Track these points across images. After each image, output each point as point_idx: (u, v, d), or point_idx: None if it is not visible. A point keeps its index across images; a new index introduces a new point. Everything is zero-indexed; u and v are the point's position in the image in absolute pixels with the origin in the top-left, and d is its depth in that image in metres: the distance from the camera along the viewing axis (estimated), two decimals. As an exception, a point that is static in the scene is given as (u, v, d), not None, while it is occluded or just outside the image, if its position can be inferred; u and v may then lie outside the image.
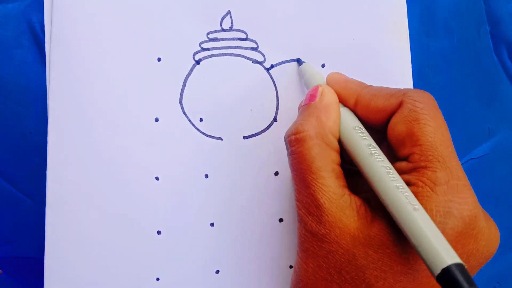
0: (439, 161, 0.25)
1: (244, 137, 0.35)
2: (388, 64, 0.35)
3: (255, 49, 0.35)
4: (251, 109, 0.35)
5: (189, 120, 0.35)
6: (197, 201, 0.34)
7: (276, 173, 0.35)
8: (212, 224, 0.35)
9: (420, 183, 0.25)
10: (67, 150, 0.34)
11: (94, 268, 0.34)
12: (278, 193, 0.35)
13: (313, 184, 0.26)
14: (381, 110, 0.28)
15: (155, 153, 0.34)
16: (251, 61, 0.35)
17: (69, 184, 0.34)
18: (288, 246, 0.34)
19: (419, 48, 0.38)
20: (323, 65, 0.35)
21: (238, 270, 0.34)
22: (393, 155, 0.28)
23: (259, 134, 0.35)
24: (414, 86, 0.35)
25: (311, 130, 0.27)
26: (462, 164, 0.38)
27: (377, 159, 0.26)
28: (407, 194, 0.24)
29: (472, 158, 0.39)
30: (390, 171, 0.25)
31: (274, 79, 0.35)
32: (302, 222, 0.27)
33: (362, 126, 0.28)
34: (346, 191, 0.26)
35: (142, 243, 0.34)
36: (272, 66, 0.35)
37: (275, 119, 0.35)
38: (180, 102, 0.35)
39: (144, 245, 0.34)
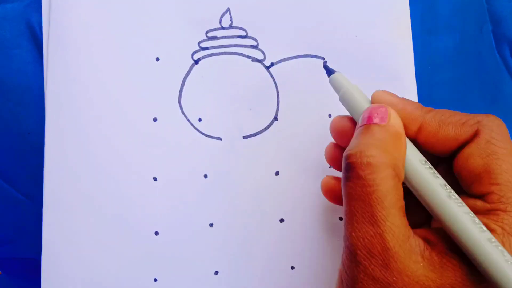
0: None
1: (244, 137, 0.35)
2: (391, 61, 0.35)
3: (255, 46, 0.35)
4: (250, 109, 0.35)
5: (188, 120, 0.35)
6: (196, 202, 0.34)
7: (277, 173, 0.35)
8: (211, 225, 0.34)
9: (499, 230, 0.23)
10: (64, 150, 0.34)
11: (92, 269, 0.34)
12: (279, 194, 0.34)
13: (383, 222, 0.22)
14: (451, 139, 0.25)
15: (154, 153, 0.34)
16: (250, 60, 0.35)
17: (66, 185, 0.34)
18: (289, 247, 0.34)
19: (421, 46, 0.38)
20: (325, 62, 0.35)
21: (237, 271, 0.34)
22: (457, 187, 0.26)
23: (259, 133, 0.35)
24: (417, 84, 0.35)
25: (386, 157, 0.23)
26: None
27: (457, 204, 0.23)
28: (501, 248, 0.22)
29: (474, 157, 0.39)
30: (475, 219, 0.23)
31: (275, 77, 0.35)
32: (360, 264, 0.23)
33: (427, 161, 0.25)
34: (411, 232, 0.23)
35: (140, 243, 0.34)
36: (272, 64, 0.35)
37: (275, 118, 0.35)
38: (179, 102, 0.35)
39: (141, 246, 0.34)
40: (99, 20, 0.35)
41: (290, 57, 0.35)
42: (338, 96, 0.28)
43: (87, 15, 0.35)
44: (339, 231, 0.34)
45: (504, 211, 0.23)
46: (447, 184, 0.24)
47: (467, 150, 0.25)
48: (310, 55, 0.35)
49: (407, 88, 0.35)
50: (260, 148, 0.35)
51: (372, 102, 0.27)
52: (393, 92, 0.33)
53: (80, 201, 0.34)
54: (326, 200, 0.33)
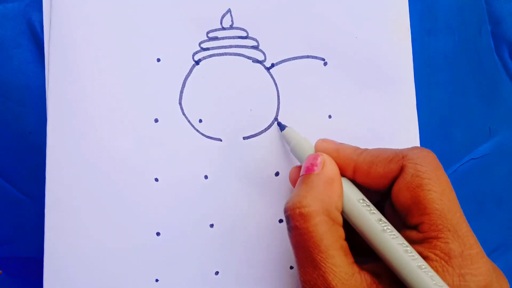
0: (449, 230, 0.24)
1: (244, 138, 0.35)
2: (390, 62, 0.35)
3: (255, 47, 0.35)
4: (251, 109, 0.35)
5: (189, 121, 0.35)
6: (197, 202, 0.34)
7: (277, 174, 0.35)
8: (211, 225, 0.35)
9: (433, 256, 0.24)
10: (66, 150, 0.34)
11: (93, 269, 0.34)
12: (278, 194, 0.35)
13: (323, 264, 0.24)
14: (382, 176, 0.27)
15: (155, 154, 0.34)
16: (251, 61, 0.35)
17: (68, 185, 0.34)
18: (288, 247, 0.34)
19: (420, 47, 0.38)
20: (325, 63, 0.35)
21: (237, 272, 0.34)
22: (398, 218, 0.27)
23: (259, 134, 0.35)
24: (416, 85, 0.35)
25: (317, 205, 0.25)
26: (462, 164, 0.38)
27: (391, 236, 0.25)
28: (431, 274, 0.24)
29: (472, 158, 0.39)
30: (408, 248, 0.25)
31: (275, 78, 0.35)
32: None
33: (365, 198, 0.27)
34: (356, 269, 0.25)
35: (141, 244, 0.34)
36: (272, 65, 0.35)
37: (276, 119, 0.35)
38: (180, 103, 0.35)
39: (143, 246, 0.34)
40: (100, 20, 0.34)
41: (291, 58, 0.35)
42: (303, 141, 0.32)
43: (88, 15, 0.34)
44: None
45: (436, 238, 0.24)
46: (382, 218, 0.26)
47: (396, 186, 0.26)
48: (311, 56, 0.35)
49: (406, 89, 0.35)
50: (260, 149, 0.35)
51: (315, 151, 0.30)
52: (392, 93, 0.34)
53: (82, 201, 0.34)
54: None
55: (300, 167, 0.31)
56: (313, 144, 0.31)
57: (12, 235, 0.37)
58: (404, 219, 0.27)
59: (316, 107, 0.35)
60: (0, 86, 0.36)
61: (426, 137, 0.37)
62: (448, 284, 0.23)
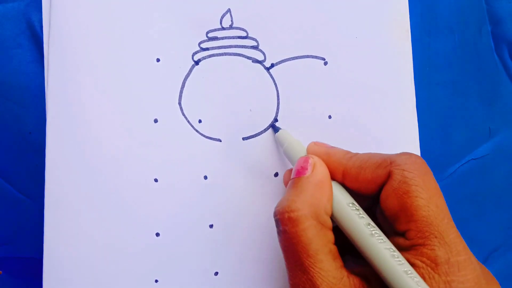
0: (436, 237, 0.24)
1: (243, 138, 0.35)
2: (390, 62, 0.35)
3: (255, 47, 0.35)
4: (250, 110, 0.35)
5: (188, 122, 0.35)
6: (196, 203, 0.34)
7: (276, 174, 0.35)
8: (211, 226, 0.35)
9: (420, 264, 0.24)
10: (65, 150, 0.34)
11: (93, 269, 0.34)
12: (278, 195, 0.35)
13: (311, 269, 0.24)
14: (370, 182, 0.27)
15: (154, 154, 0.34)
16: (251, 61, 0.35)
17: (67, 185, 0.34)
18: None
19: (421, 47, 0.38)
20: (325, 63, 0.35)
21: (237, 272, 0.34)
22: (388, 224, 0.27)
23: (259, 135, 0.35)
24: (416, 85, 0.35)
25: (306, 209, 0.26)
26: (462, 164, 0.38)
27: (379, 241, 0.25)
28: (417, 279, 0.24)
29: (473, 159, 0.39)
30: (395, 253, 0.25)
31: (275, 78, 0.35)
32: None
33: (355, 202, 0.27)
34: (345, 273, 0.25)
35: (141, 244, 0.34)
36: (272, 65, 0.35)
37: (275, 119, 0.35)
38: (179, 103, 0.35)
39: (142, 247, 0.34)
40: (100, 19, 0.34)
41: (291, 58, 0.35)
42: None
43: (87, 15, 0.34)
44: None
45: (423, 245, 0.24)
46: (371, 223, 0.26)
47: (384, 192, 0.26)
48: (311, 55, 0.35)
49: (406, 89, 0.35)
50: (259, 149, 0.35)
51: (307, 154, 0.30)
52: (392, 94, 0.34)
53: (81, 202, 0.34)
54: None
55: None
56: (306, 147, 0.31)
57: (12, 235, 0.37)
58: (392, 225, 0.26)
59: (316, 107, 0.35)
60: (0, 86, 0.36)
61: (426, 137, 0.37)
62: None
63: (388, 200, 0.26)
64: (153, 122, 0.34)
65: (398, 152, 0.27)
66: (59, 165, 0.34)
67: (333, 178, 0.28)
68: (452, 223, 0.25)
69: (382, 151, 0.29)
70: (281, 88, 0.35)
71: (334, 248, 0.26)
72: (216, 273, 0.34)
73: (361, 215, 0.26)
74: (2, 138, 0.36)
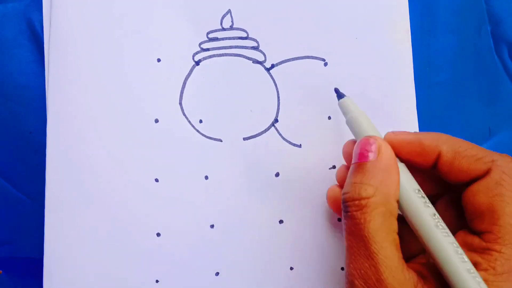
0: None
1: (244, 138, 0.35)
2: (390, 63, 0.35)
3: (255, 48, 0.35)
4: (251, 110, 0.35)
5: (189, 122, 0.35)
6: (197, 203, 0.34)
7: (277, 174, 0.35)
8: (212, 226, 0.35)
9: (491, 270, 0.24)
10: (66, 150, 0.34)
11: (93, 270, 0.34)
12: (279, 195, 0.35)
13: (375, 255, 0.24)
14: (464, 172, 0.26)
15: (155, 154, 0.34)
16: (251, 61, 0.35)
17: (68, 185, 0.34)
18: (288, 248, 0.34)
19: (420, 47, 0.38)
20: (325, 64, 0.35)
21: (238, 272, 0.34)
22: (451, 218, 0.27)
23: (260, 135, 0.35)
24: (415, 85, 0.35)
25: (377, 196, 0.25)
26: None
27: (443, 234, 0.25)
28: (479, 279, 0.23)
29: (472, 159, 0.39)
30: (458, 249, 0.24)
31: (275, 79, 0.35)
32: None
33: (421, 189, 0.27)
34: (405, 265, 0.25)
35: (142, 245, 0.34)
36: (272, 66, 0.35)
37: (276, 120, 0.35)
38: (180, 104, 0.35)
39: (143, 247, 0.34)
40: (100, 19, 0.34)
41: (291, 58, 0.35)
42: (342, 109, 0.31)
43: (88, 15, 0.34)
44: (338, 232, 0.34)
45: (499, 252, 0.24)
46: (436, 213, 0.25)
47: (476, 187, 0.26)
48: (310, 56, 0.35)
49: (406, 90, 0.35)
50: (260, 149, 0.35)
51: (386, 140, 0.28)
52: (392, 94, 0.34)
53: (82, 202, 0.34)
54: (325, 202, 0.33)
55: (346, 167, 0.31)
56: (372, 123, 0.30)
57: (12, 235, 0.37)
58: (471, 222, 0.26)
59: (316, 108, 0.35)
60: (0, 86, 0.36)
61: (426, 137, 0.37)
62: None
63: (478, 196, 0.25)
64: (154, 122, 0.34)
65: (500, 153, 0.27)
66: (60, 165, 0.34)
67: (423, 162, 0.27)
68: None
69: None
70: (281, 88, 0.35)
71: (397, 238, 0.26)
72: (217, 273, 0.34)
73: (427, 204, 0.26)
74: (2, 138, 0.36)
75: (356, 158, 0.27)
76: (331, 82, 0.35)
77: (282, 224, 0.35)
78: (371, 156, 0.27)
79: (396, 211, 0.26)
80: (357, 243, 0.25)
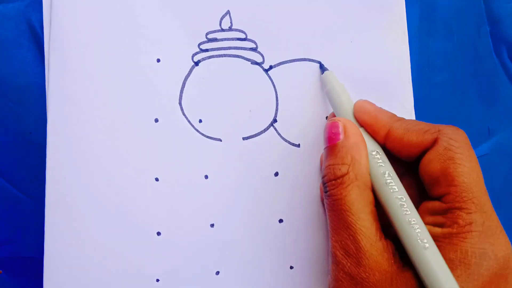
0: (474, 203, 0.25)
1: (243, 138, 0.35)
2: (387, 65, 0.35)
3: (254, 49, 0.35)
4: (250, 110, 0.35)
5: (189, 121, 0.35)
6: (197, 202, 0.34)
7: (276, 174, 0.35)
8: (212, 225, 0.35)
9: (455, 225, 0.25)
10: (66, 150, 0.34)
11: (94, 269, 0.34)
12: (278, 194, 0.35)
13: (353, 225, 0.26)
14: (414, 145, 0.28)
15: (155, 154, 0.34)
16: (250, 62, 0.35)
17: (68, 185, 0.34)
18: (288, 247, 0.35)
19: (419, 47, 0.38)
20: (321, 66, 0.35)
21: (238, 271, 0.34)
22: (422, 190, 0.28)
23: (259, 135, 0.35)
24: (414, 85, 0.35)
25: (351, 172, 0.27)
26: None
27: (391, 190, 0.26)
28: (419, 230, 0.25)
29: (471, 158, 0.39)
30: (404, 203, 0.26)
31: (273, 80, 0.35)
32: (339, 264, 0.26)
33: (381, 151, 0.28)
34: (382, 235, 0.26)
35: (142, 244, 0.34)
36: (271, 67, 0.35)
37: (275, 120, 0.35)
38: (180, 103, 0.35)
39: (143, 246, 0.34)
40: (100, 20, 0.35)
41: (288, 60, 0.35)
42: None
43: (88, 15, 0.35)
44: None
45: (459, 208, 0.25)
46: (388, 172, 0.27)
47: (427, 156, 0.27)
48: (308, 59, 0.35)
49: (403, 92, 0.35)
50: (259, 149, 0.35)
51: (354, 110, 0.31)
52: (389, 95, 0.35)
53: (82, 201, 0.34)
54: (325, 201, 0.33)
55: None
56: (348, 94, 0.32)
57: (12, 235, 0.37)
58: (430, 190, 0.27)
59: (313, 108, 0.35)
60: (0, 86, 0.36)
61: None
62: (466, 251, 0.24)
63: (431, 164, 0.27)
64: (154, 121, 0.35)
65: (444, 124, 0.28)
66: (60, 165, 0.34)
67: (375, 136, 0.29)
68: (488, 195, 0.26)
69: (381, 152, 0.29)
70: (279, 89, 0.35)
71: (374, 210, 0.27)
72: (217, 273, 0.35)
73: (380, 163, 0.28)
74: (3, 138, 0.36)
75: (327, 142, 0.29)
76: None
77: (281, 223, 0.35)
78: (339, 137, 0.29)
79: (369, 183, 0.28)
80: (337, 216, 0.27)
